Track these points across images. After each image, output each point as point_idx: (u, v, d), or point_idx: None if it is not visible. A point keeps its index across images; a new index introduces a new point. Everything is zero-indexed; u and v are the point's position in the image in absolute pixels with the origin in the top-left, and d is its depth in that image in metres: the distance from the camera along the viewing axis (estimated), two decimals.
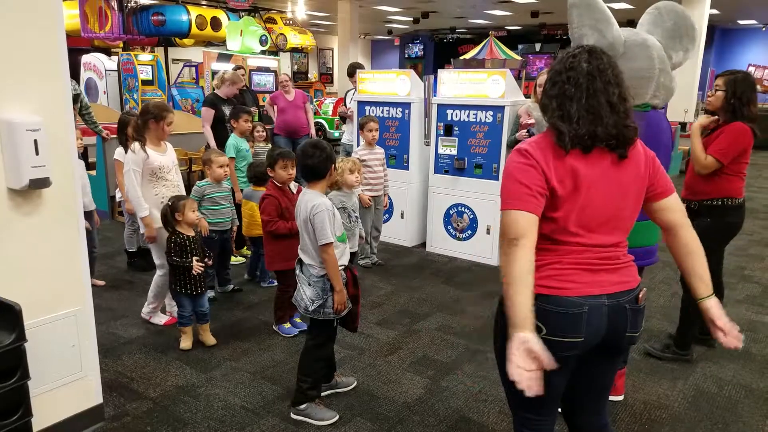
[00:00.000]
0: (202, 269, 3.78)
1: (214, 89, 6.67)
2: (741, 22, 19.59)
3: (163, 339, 3.98)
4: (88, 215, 4.52)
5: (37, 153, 2.50)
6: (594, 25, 2.63)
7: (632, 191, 1.88)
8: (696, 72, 12.79)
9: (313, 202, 2.88)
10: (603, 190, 1.83)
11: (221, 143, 5.94)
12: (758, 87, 18.85)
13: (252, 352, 3.82)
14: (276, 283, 4.32)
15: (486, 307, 4.66)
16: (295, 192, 3.95)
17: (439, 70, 5.90)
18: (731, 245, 6.43)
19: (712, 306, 1.90)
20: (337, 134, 10.50)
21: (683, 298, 3.78)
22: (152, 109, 3.98)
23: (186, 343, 3.82)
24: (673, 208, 1.95)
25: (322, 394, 3.22)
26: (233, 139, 5.42)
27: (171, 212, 3.74)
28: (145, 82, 12.76)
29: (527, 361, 1.64)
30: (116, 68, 13.27)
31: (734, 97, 3.51)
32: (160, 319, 4.23)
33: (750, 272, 5.69)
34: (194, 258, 3.73)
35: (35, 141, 2.49)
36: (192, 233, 3.79)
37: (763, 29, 20.34)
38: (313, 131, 8.03)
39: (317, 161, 2.90)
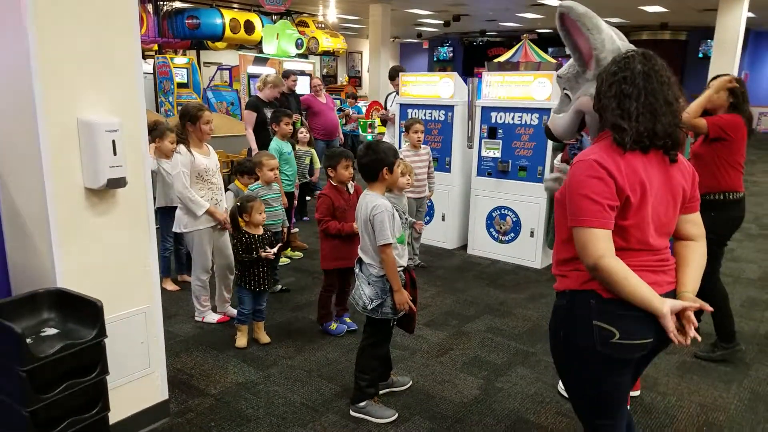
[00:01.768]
0: (273, 256, 3.89)
1: (250, 92, 6.75)
2: None
3: (217, 337, 4.06)
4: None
5: (114, 153, 2.58)
6: (608, 30, 2.67)
7: (678, 197, 1.93)
8: (734, 74, 12.62)
9: (373, 203, 2.93)
10: (662, 195, 1.88)
11: (263, 146, 6.03)
12: None
13: (305, 350, 3.88)
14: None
15: (533, 310, 4.66)
16: (352, 192, 4.00)
17: (484, 73, 5.92)
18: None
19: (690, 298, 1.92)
20: (370, 137, 10.56)
21: (705, 291, 3.78)
22: (190, 110, 4.04)
23: (242, 341, 3.90)
24: (698, 222, 2.04)
25: (379, 392, 3.26)
26: (275, 143, 5.50)
27: (239, 213, 3.82)
28: (180, 85, 12.93)
29: (684, 325, 1.80)
30: (152, 71, 13.49)
31: (741, 96, 3.70)
32: (213, 318, 4.31)
33: None
34: (262, 250, 3.84)
35: (113, 141, 2.57)
36: (260, 232, 3.90)
37: None
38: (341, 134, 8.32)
39: (367, 161, 2.98)
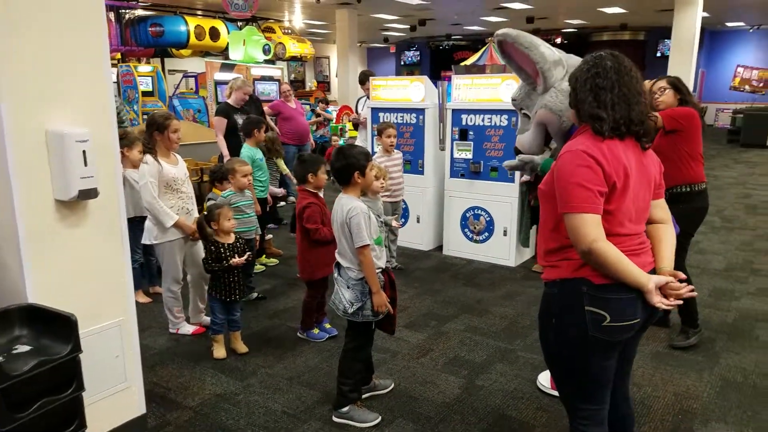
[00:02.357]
0: (243, 262, 3.84)
1: (217, 99, 6.68)
2: (729, 24, 19.80)
3: (193, 348, 4.00)
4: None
5: (85, 164, 2.53)
6: (544, 44, 2.78)
7: (651, 184, 2.08)
8: (690, 74, 12.96)
9: (348, 205, 2.94)
10: (639, 180, 2.01)
11: (235, 152, 5.98)
12: (746, 87, 19.06)
13: (285, 358, 3.85)
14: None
15: (509, 307, 4.70)
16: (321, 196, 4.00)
17: (453, 76, 5.96)
18: (737, 240, 6.60)
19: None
20: (342, 142, 10.54)
21: None
22: (157, 119, 3.97)
23: (220, 352, 3.84)
24: (665, 207, 2.20)
25: (362, 396, 3.25)
26: (247, 150, 5.43)
27: (207, 221, 3.78)
28: (145, 94, 12.76)
29: (667, 296, 1.95)
30: (115, 80, 13.27)
31: (686, 91, 3.83)
32: (188, 329, 4.24)
33: (759, 266, 5.77)
34: (233, 259, 3.79)
35: (84, 152, 2.52)
36: (230, 240, 3.84)
37: (750, 31, 20.58)
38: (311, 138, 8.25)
39: (339, 165, 2.99)
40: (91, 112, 2.62)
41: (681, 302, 1.98)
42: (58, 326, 2.36)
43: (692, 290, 1.99)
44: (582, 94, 2.03)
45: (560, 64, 2.72)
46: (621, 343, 2.05)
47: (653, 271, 2.04)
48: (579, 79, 2.05)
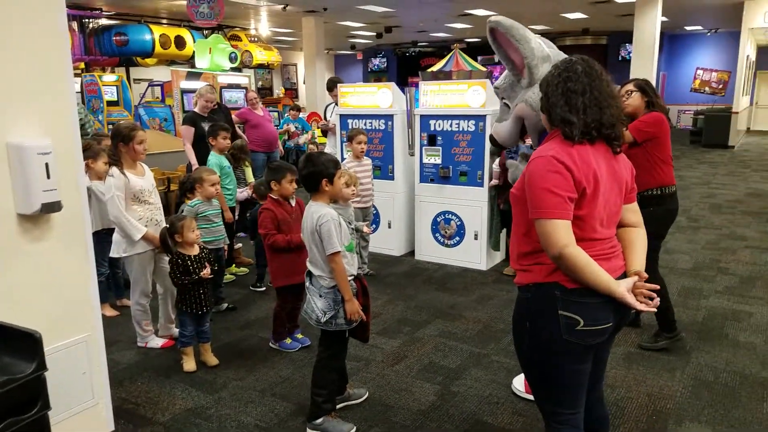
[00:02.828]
0: (210, 275, 3.77)
1: (184, 108, 6.59)
2: (688, 28, 20.31)
3: (162, 362, 3.92)
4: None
5: (48, 176, 2.47)
6: (536, 39, 2.79)
7: (623, 187, 2.09)
8: (652, 76, 13.25)
9: (318, 213, 2.91)
10: (610, 185, 2.02)
11: (203, 160, 5.92)
12: (706, 89, 19.55)
13: (257, 370, 3.79)
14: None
15: (482, 312, 4.72)
16: (294, 205, 3.95)
17: (420, 82, 5.99)
18: (703, 240, 6.74)
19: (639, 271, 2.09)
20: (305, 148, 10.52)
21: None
22: (121, 130, 3.90)
23: (190, 364, 3.77)
24: (637, 210, 2.21)
25: (336, 407, 3.21)
26: (214, 157, 5.37)
27: (169, 234, 3.70)
28: (110, 103, 12.53)
29: (639, 298, 1.96)
30: (79, 90, 13.02)
31: (652, 93, 3.84)
32: (157, 343, 4.16)
33: (725, 264, 5.89)
34: (201, 271, 3.72)
35: (46, 164, 2.46)
36: (195, 251, 3.76)
37: (708, 34, 21.15)
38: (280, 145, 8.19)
39: (306, 173, 2.95)
40: (54, 123, 2.56)
41: (657, 303, 1.99)
42: (21, 344, 2.28)
43: (656, 290, 1.99)
44: (553, 98, 2.03)
45: (548, 60, 2.71)
46: (594, 347, 2.07)
47: (624, 275, 2.06)
48: (550, 83, 2.05)
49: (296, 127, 10.15)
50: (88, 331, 2.82)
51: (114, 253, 4.04)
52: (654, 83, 15.16)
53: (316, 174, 2.94)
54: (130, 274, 4.09)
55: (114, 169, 3.83)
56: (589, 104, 1.97)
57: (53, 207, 2.51)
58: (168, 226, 3.76)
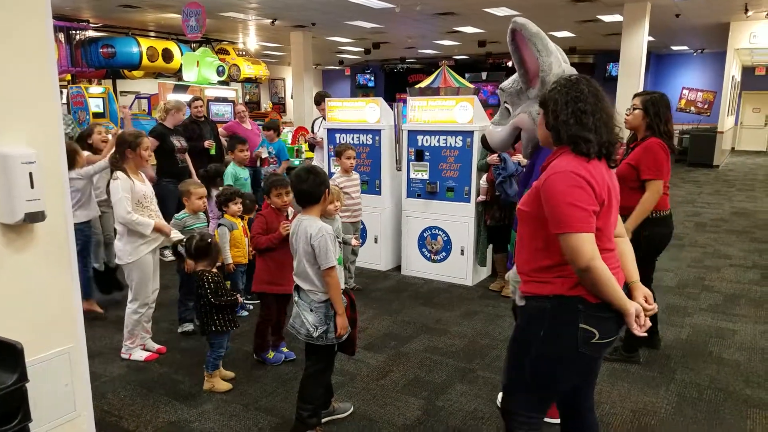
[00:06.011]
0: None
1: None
2: (674, 47, 20.64)
3: (146, 375, 3.88)
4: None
5: (32, 186, 2.44)
6: (556, 53, 2.79)
7: (618, 200, 2.17)
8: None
9: (313, 227, 2.89)
10: (615, 197, 2.10)
11: (172, 174, 6.07)
12: (692, 108, 19.73)
13: (241, 383, 3.75)
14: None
15: (467, 327, 4.72)
16: (291, 218, 3.95)
17: (408, 98, 6.03)
18: (687, 258, 6.80)
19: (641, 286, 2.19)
20: (297, 162, 10.47)
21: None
22: (127, 138, 3.97)
23: (224, 384, 3.71)
24: (620, 220, 2.28)
25: (321, 421, 3.19)
26: (233, 168, 5.61)
27: (203, 254, 3.65)
28: (96, 115, 12.46)
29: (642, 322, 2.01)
30: (65, 101, 12.94)
31: (654, 115, 3.72)
32: (141, 355, 4.11)
33: (709, 282, 5.95)
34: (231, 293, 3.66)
35: (30, 174, 2.43)
36: (213, 269, 3.71)
37: (695, 54, 21.50)
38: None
39: (310, 185, 2.92)
40: (38, 133, 2.53)
41: (648, 326, 2.03)
42: (3, 355, 2.24)
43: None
44: (563, 116, 2.06)
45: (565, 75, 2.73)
46: (598, 359, 2.17)
47: (626, 286, 2.13)
48: (559, 101, 2.09)
49: (270, 153, 7.47)
50: (71, 343, 2.76)
51: (119, 260, 4.05)
52: None
53: (321, 185, 2.93)
54: (130, 282, 4.06)
55: (119, 173, 3.88)
56: (599, 125, 2.04)
57: (37, 217, 2.48)
58: (202, 240, 3.70)
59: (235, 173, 5.56)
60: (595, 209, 1.97)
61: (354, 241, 4.53)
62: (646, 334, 2.03)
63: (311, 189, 2.92)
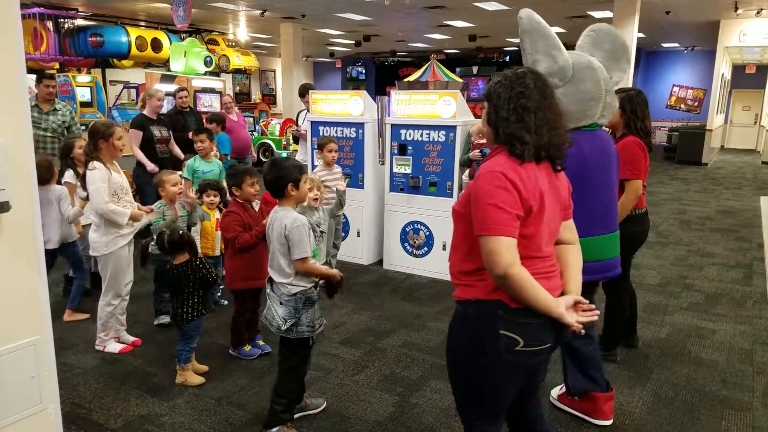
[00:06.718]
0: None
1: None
2: (665, 45, 20.68)
3: (119, 368, 3.84)
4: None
5: None
6: (546, 50, 2.73)
7: (563, 205, 2.05)
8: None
9: (287, 218, 2.87)
10: (552, 202, 1.97)
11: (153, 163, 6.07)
12: (682, 106, 19.77)
13: (214, 377, 3.72)
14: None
15: (446, 322, 4.59)
16: (257, 210, 3.92)
17: (392, 91, 5.99)
18: (671, 256, 6.80)
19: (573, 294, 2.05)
20: (285, 154, 10.44)
21: (607, 301, 3.95)
22: (99, 128, 3.91)
23: (196, 378, 3.67)
24: (573, 228, 2.17)
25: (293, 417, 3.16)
26: (193, 160, 5.43)
27: (186, 238, 3.62)
28: (83, 104, 12.35)
29: (575, 316, 1.91)
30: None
31: (630, 113, 3.69)
32: (115, 348, 4.08)
33: (691, 281, 5.95)
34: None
35: None
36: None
37: (685, 52, 21.56)
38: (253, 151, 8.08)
39: (271, 177, 2.93)
40: (3, 120, 2.49)
41: (597, 314, 1.95)
42: None
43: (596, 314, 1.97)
44: (504, 112, 1.93)
45: (557, 76, 2.68)
46: (531, 366, 2.04)
47: (561, 296, 2.01)
48: (502, 96, 1.95)
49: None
50: (38, 334, 2.72)
51: (94, 252, 4.00)
52: None
53: (281, 179, 2.91)
54: (104, 274, 4.01)
55: (96, 163, 3.82)
56: (540, 124, 1.90)
57: (1, 207, 2.43)
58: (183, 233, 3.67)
59: (195, 166, 5.34)
60: (519, 213, 1.84)
61: (340, 186, 4.50)
62: (594, 318, 1.93)
63: (273, 180, 2.93)
